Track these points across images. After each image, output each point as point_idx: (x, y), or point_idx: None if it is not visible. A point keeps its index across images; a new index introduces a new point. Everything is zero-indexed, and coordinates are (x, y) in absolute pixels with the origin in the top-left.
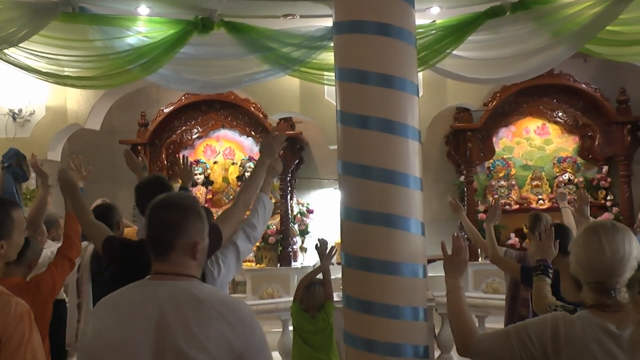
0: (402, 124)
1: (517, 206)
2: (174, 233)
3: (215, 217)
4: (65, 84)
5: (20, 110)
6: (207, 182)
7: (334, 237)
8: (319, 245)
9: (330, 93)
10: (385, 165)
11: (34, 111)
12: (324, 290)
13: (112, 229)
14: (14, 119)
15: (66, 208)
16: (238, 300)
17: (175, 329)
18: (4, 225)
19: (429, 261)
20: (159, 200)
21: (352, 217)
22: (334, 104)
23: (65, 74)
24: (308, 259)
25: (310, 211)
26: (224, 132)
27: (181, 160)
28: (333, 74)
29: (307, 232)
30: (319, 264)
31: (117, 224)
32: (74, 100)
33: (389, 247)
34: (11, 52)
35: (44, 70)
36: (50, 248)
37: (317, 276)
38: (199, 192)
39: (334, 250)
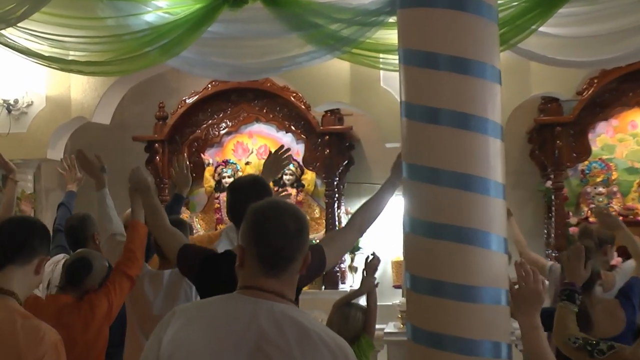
0: (481, 118)
1: (620, 218)
2: (297, 244)
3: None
4: (70, 71)
5: (16, 101)
6: None
7: (390, 255)
8: (369, 259)
9: (387, 80)
10: (460, 168)
11: (32, 102)
12: (364, 318)
13: (84, 243)
14: (9, 111)
15: (133, 214)
16: (342, 339)
17: (275, 354)
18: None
19: None
20: (275, 205)
21: (418, 230)
22: (392, 93)
23: (71, 58)
24: (359, 281)
25: None
26: (258, 127)
27: (177, 162)
28: (390, 57)
29: (358, 248)
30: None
31: (92, 236)
32: (79, 90)
33: (464, 268)
34: (8, 33)
35: (46, 54)
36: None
37: (359, 300)
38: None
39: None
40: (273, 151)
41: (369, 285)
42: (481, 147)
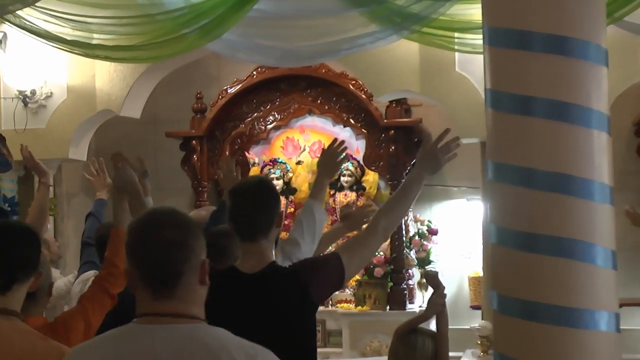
0: (583, 107)
1: None
2: (182, 256)
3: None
4: (96, 57)
5: (33, 93)
6: (288, 189)
7: (468, 269)
8: (428, 278)
9: (464, 64)
10: (558, 167)
11: (51, 93)
12: (435, 347)
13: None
14: (25, 104)
15: (115, 221)
16: (264, 349)
17: None
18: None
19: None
20: (152, 217)
21: (507, 242)
22: (469, 79)
23: (96, 42)
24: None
25: (433, 232)
26: (312, 121)
27: (225, 163)
28: (468, 36)
29: (429, 262)
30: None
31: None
32: (106, 79)
33: (563, 287)
34: (25, 14)
35: (68, 38)
36: (63, 278)
37: (426, 325)
38: None
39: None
40: (326, 146)
41: (436, 306)
42: (583, 143)
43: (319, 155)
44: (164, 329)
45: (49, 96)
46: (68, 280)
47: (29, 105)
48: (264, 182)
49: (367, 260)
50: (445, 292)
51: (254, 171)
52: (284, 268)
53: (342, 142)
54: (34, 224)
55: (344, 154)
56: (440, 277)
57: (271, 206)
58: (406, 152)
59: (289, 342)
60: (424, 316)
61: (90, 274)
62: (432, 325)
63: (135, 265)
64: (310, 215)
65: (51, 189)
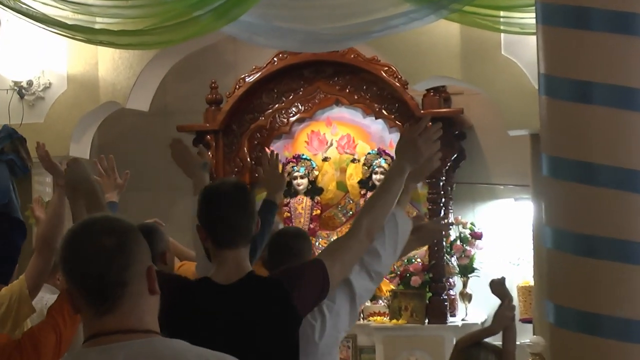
0: None
1: None
2: (122, 263)
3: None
4: (99, 43)
5: (30, 84)
6: (314, 189)
7: (516, 278)
8: (494, 286)
9: (511, 46)
10: (623, 162)
11: (49, 84)
12: None
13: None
14: (21, 95)
15: (74, 221)
16: (229, 357)
17: None
18: None
19: None
20: (85, 225)
21: (566, 246)
22: (517, 63)
23: (99, 26)
24: (474, 313)
25: (477, 235)
26: (339, 112)
27: (269, 159)
28: (515, 15)
29: (473, 269)
30: (490, 321)
31: (161, 255)
32: (110, 67)
33: (629, 297)
34: None
35: (69, 23)
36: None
37: (489, 339)
38: (300, 205)
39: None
40: (264, 159)
41: (504, 319)
42: None
43: (347, 150)
44: (113, 349)
45: (47, 87)
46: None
47: (26, 97)
48: (240, 183)
49: (350, 267)
50: (514, 303)
51: None
52: (263, 278)
53: (274, 152)
54: (50, 232)
55: (438, 143)
56: (506, 284)
57: (252, 209)
58: (446, 146)
59: None
60: (490, 330)
61: None
62: (492, 338)
63: (73, 281)
64: (392, 223)
65: (50, 189)
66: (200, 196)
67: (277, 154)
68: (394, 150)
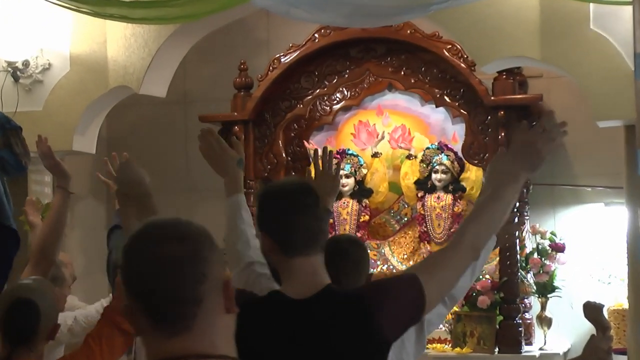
0: None
1: None
2: (193, 275)
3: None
4: (109, 17)
5: (26, 64)
6: (361, 191)
7: (607, 299)
8: (589, 310)
9: (601, 20)
10: None
11: (49, 65)
12: None
13: None
14: (16, 79)
15: (127, 232)
16: None
17: None
18: None
19: None
20: (150, 229)
21: None
22: (609, 40)
23: None
24: (555, 341)
25: (558, 247)
26: (392, 99)
27: (321, 157)
28: None
29: (553, 289)
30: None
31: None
32: (121, 46)
33: None
34: None
35: None
36: (77, 309)
37: None
38: (345, 209)
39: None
40: (316, 157)
41: (599, 352)
42: None
43: (401, 145)
44: None
45: (46, 69)
46: (101, 304)
47: (21, 80)
48: (306, 182)
49: (450, 287)
50: (612, 333)
51: None
52: (344, 292)
53: (330, 152)
54: (48, 241)
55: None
56: (604, 311)
57: (323, 212)
58: (565, 128)
59: None
60: None
61: None
62: None
63: (135, 296)
64: None
65: (49, 189)
66: (260, 199)
67: (331, 151)
68: (458, 145)
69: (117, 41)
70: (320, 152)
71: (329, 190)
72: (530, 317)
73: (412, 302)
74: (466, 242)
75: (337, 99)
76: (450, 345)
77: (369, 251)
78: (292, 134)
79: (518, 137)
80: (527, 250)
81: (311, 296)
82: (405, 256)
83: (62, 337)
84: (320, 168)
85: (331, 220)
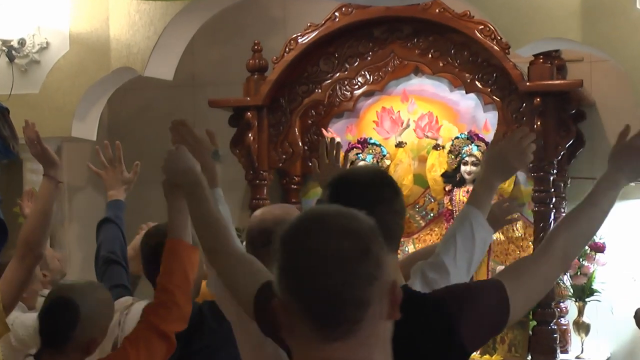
0: None
1: None
2: (364, 274)
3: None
4: None
5: (22, 43)
6: None
7: None
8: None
9: None
10: None
11: (47, 44)
12: None
13: None
14: (11, 58)
15: (170, 228)
16: None
17: None
18: None
19: None
20: (317, 219)
21: None
22: None
23: None
24: (593, 348)
25: (598, 247)
26: (419, 83)
27: (327, 148)
28: None
29: (592, 292)
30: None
31: None
32: (125, 24)
33: None
34: None
35: None
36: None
37: None
38: None
39: None
40: (322, 147)
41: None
42: None
43: (428, 134)
44: None
45: (44, 48)
46: None
47: (16, 60)
48: (384, 172)
49: (538, 297)
50: None
51: None
52: (422, 294)
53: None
54: (33, 233)
55: (532, 149)
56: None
57: (402, 205)
58: (559, 129)
59: None
60: None
61: (129, 300)
62: None
63: (294, 294)
64: (468, 231)
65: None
66: (331, 190)
67: (338, 142)
68: (490, 134)
69: (121, 19)
70: (328, 142)
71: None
72: (567, 322)
73: (495, 310)
74: (557, 251)
75: (359, 83)
76: (479, 352)
77: None
78: (310, 121)
79: (625, 139)
80: None
81: None
82: None
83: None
84: (327, 160)
85: None
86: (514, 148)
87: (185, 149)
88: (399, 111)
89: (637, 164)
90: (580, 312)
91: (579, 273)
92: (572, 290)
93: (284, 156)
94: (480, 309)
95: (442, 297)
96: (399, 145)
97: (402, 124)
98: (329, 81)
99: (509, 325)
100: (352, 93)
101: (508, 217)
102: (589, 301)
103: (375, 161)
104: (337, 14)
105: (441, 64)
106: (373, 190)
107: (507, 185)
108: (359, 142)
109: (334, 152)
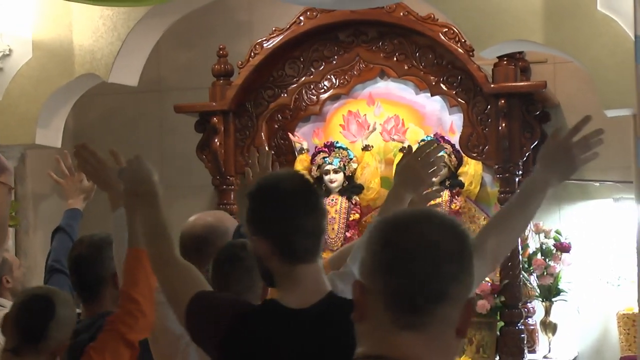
0: None
1: None
2: (452, 273)
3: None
4: None
5: None
6: (351, 187)
7: (616, 304)
8: None
9: (610, 0)
10: None
11: (9, 51)
12: None
13: (99, 287)
14: None
15: (130, 237)
16: None
17: None
18: None
19: None
20: (420, 213)
21: None
22: (618, 22)
23: None
24: (560, 348)
25: (564, 247)
26: (385, 87)
27: (258, 155)
28: None
29: (558, 292)
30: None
31: (112, 277)
32: (88, 30)
33: None
34: None
35: None
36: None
37: None
38: (334, 207)
39: None
40: (253, 157)
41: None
42: None
43: (394, 137)
44: None
45: (6, 55)
46: None
47: None
48: (305, 177)
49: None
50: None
51: (303, 161)
52: (348, 300)
53: (437, 143)
54: None
55: (440, 161)
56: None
57: (325, 211)
58: (524, 130)
59: None
60: None
61: None
62: None
63: (381, 272)
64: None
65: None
66: (254, 198)
67: (269, 151)
68: (456, 136)
69: (84, 24)
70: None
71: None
72: (534, 322)
73: None
74: (487, 252)
75: (325, 87)
76: None
77: None
78: (276, 126)
79: (553, 141)
80: (530, 251)
81: (313, 305)
82: None
83: None
84: (258, 170)
85: None
86: (423, 160)
87: (143, 159)
88: (365, 114)
89: (568, 164)
90: (547, 312)
91: (545, 273)
92: (539, 291)
93: (250, 161)
94: None
95: None
96: (366, 148)
97: (369, 127)
98: (295, 85)
99: None
100: (318, 97)
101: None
102: (556, 301)
103: (342, 165)
104: (302, 18)
105: (406, 67)
106: (301, 199)
107: (474, 187)
108: (325, 145)
109: (265, 161)
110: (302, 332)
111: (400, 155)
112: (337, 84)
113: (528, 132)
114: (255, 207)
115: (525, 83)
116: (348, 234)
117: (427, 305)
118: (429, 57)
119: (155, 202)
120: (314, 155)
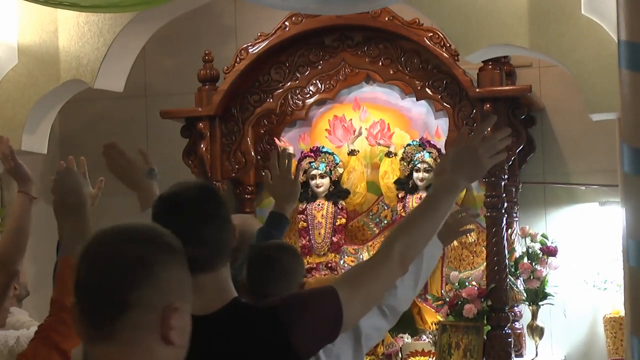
0: None
1: None
2: (131, 279)
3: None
4: (58, 4)
5: None
6: (337, 192)
7: (603, 307)
8: None
9: (594, 4)
10: None
11: None
12: None
13: None
14: None
15: (63, 246)
16: None
17: None
18: None
19: None
20: (111, 229)
21: None
22: (603, 27)
23: None
24: (547, 351)
25: (550, 251)
26: (370, 92)
27: (279, 157)
28: None
29: (545, 295)
30: None
31: None
32: (74, 35)
33: None
34: None
35: None
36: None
37: None
38: (320, 212)
39: None
40: (273, 157)
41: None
42: None
43: (380, 141)
44: None
45: None
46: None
47: None
48: (206, 185)
49: (376, 300)
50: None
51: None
52: (254, 306)
53: (285, 150)
54: (8, 250)
55: (504, 154)
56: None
57: (227, 218)
58: (510, 135)
59: None
60: None
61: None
62: None
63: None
64: None
65: None
66: (155, 209)
67: (289, 153)
68: (442, 140)
69: (69, 30)
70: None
71: (286, 196)
72: (521, 326)
73: (329, 319)
74: (394, 255)
75: (311, 92)
76: (434, 358)
77: (337, 259)
78: (262, 131)
79: (460, 143)
80: (517, 255)
81: (217, 310)
82: None
83: (1, 359)
84: (278, 172)
85: (305, 225)
86: (488, 143)
87: (74, 170)
88: (351, 119)
89: (475, 165)
90: (534, 315)
91: (532, 277)
92: (525, 294)
93: (237, 166)
94: (313, 317)
95: (275, 307)
96: (352, 153)
97: (355, 132)
98: (281, 90)
99: (344, 330)
100: (304, 102)
101: (463, 228)
102: (543, 305)
103: (328, 169)
104: (287, 23)
105: (392, 72)
106: (200, 209)
107: (461, 192)
108: (311, 150)
109: (285, 162)
110: (204, 338)
111: (386, 159)
112: (322, 88)
113: (514, 136)
114: (156, 216)
115: (511, 87)
116: (334, 239)
117: (104, 314)
118: (414, 62)
119: (82, 213)
120: (300, 160)
